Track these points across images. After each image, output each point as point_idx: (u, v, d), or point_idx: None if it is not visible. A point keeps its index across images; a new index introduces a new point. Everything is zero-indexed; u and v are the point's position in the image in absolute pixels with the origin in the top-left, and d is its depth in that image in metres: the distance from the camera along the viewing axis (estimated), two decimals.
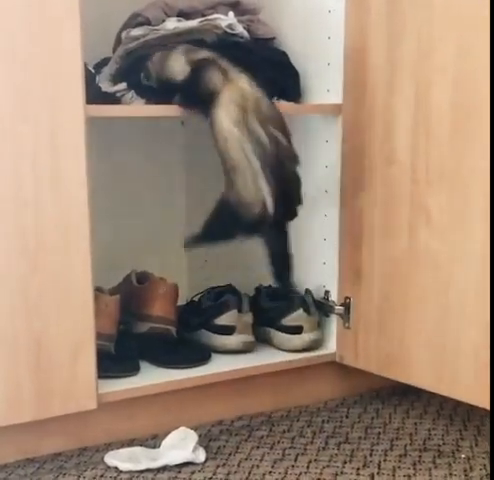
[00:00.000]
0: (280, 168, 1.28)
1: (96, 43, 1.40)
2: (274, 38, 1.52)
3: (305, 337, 1.51)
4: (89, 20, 1.22)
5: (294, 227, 1.59)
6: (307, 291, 1.54)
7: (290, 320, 1.52)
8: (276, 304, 1.56)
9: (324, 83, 1.48)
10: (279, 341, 1.54)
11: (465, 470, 1.23)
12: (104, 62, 1.52)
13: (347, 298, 1.49)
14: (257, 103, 1.27)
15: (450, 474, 1.22)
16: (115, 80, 1.46)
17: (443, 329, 1.31)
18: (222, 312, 1.51)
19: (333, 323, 1.53)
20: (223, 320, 1.51)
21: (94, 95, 1.29)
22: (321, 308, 1.54)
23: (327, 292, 1.54)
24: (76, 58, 1.20)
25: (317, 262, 1.55)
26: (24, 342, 1.21)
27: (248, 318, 1.52)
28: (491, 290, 1.17)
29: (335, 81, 1.45)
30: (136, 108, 1.41)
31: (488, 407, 1.26)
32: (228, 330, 1.51)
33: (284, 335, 1.53)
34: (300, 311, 1.52)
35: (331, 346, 1.53)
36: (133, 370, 1.39)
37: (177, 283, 1.52)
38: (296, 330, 1.52)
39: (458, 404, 1.43)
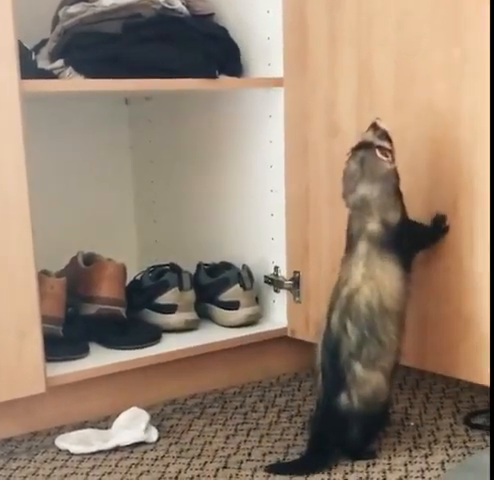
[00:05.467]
0: None
1: (35, 27, 1.38)
2: (213, 14, 1.51)
3: (242, 312, 1.52)
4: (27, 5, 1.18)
5: (241, 203, 1.60)
6: (243, 266, 1.54)
7: (227, 296, 1.53)
8: (214, 280, 1.56)
9: (265, 57, 1.47)
10: (219, 317, 1.55)
11: (414, 437, 1.25)
12: (43, 43, 1.49)
13: (296, 272, 1.49)
14: None
15: (399, 442, 1.23)
16: (53, 58, 1.43)
17: None
18: (163, 291, 1.51)
19: (284, 298, 1.53)
20: (164, 299, 1.50)
21: (31, 73, 1.25)
22: (271, 284, 1.54)
23: (276, 268, 1.54)
24: (8, 31, 1.16)
25: (265, 238, 1.55)
26: None
27: (190, 296, 1.51)
28: (491, 283, 1.17)
29: (276, 55, 1.45)
30: (75, 82, 1.36)
31: (437, 371, 1.28)
32: (170, 309, 1.50)
33: (222, 311, 1.54)
34: (236, 286, 1.52)
35: (282, 321, 1.53)
36: (82, 352, 1.38)
37: (125, 263, 1.51)
38: (233, 306, 1.52)
39: (408, 372, 1.44)
